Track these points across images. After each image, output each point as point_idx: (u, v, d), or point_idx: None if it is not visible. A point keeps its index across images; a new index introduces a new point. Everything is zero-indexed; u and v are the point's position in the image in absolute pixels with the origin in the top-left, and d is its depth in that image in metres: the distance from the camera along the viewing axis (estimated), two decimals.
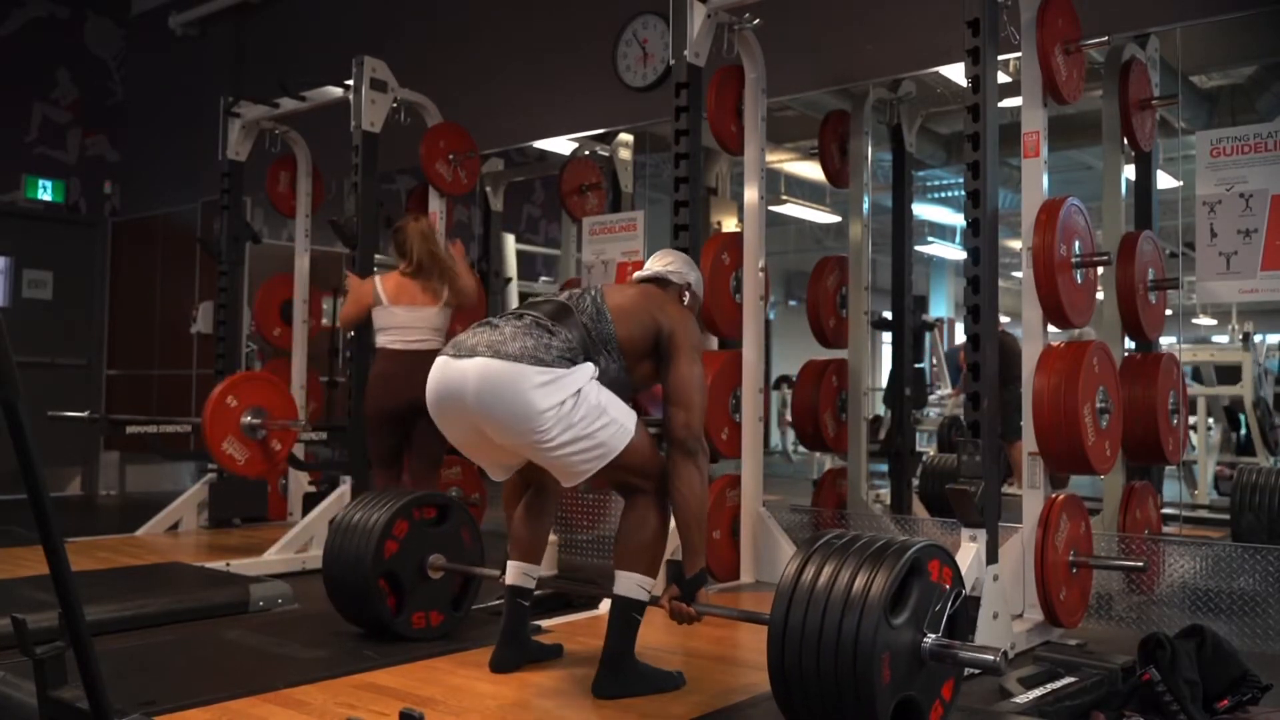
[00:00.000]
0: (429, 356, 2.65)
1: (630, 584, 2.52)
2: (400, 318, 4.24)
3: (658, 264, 2.89)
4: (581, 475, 2.48)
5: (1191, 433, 5.75)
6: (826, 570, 2.05)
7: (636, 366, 2.61)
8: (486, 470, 2.71)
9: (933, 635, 2.04)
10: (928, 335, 7.77)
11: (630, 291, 2.69)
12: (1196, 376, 6.09)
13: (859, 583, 1.99)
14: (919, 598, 2.04)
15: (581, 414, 2.39)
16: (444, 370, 2.46)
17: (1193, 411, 5.68)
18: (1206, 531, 4.66)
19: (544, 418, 2.35)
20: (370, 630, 3.11)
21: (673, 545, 3.71)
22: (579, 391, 2.40)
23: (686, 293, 2.85)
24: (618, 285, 2.76)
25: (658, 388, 2.66)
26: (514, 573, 2.73)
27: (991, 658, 2.01)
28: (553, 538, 4.39)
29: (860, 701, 1.93)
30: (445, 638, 3.11)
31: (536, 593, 2.87)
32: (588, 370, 2.45)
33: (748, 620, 2.54)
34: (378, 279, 4.31)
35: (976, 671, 2.79)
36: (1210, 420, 6.02)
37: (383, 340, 4.28)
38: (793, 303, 11.77)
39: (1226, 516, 4.98)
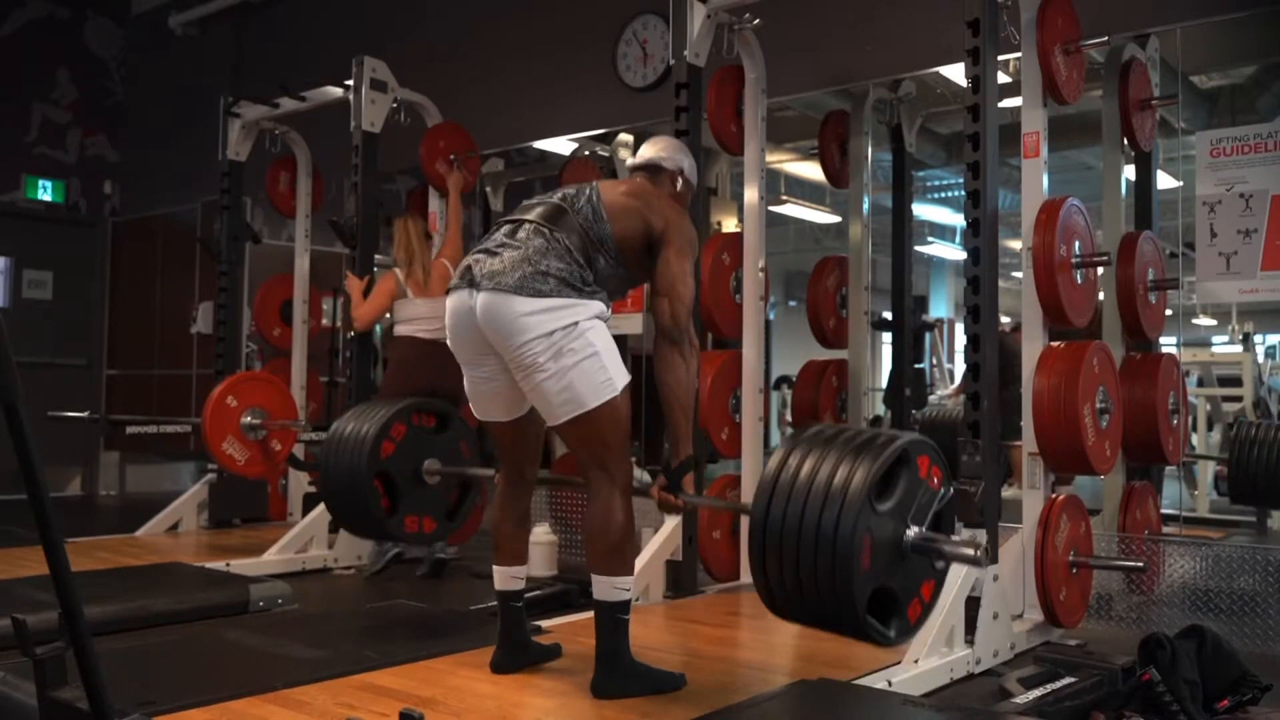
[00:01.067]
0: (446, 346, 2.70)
1: (607, 588, 2.50)
2: (421, 309, 4.45)
3: (649, 150, 2.84)
4: (559, 416, 2.46)
5: (1191, 432, 5.74)
6: (812, 457, 2.03)
7: (636, 265, 2.62)
8: (489, 411, 2.67)
9: (917, 528, 2.03)
10: (928, 335, 7.76)
11: (624, 188, 2.68)
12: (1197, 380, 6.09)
13: (845, 466, 1.97)
14: (906, 489, 2.01)
15: (575, 346, 2.42)
16: (456, 302, 2.54)
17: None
18: (1206, 531, 4.66)
19: (534, 345, 2.40)
20: (363, 531, 3.09)
21: (671, 547, 3.72)
22: (575, 324, 2.43)
23: (680, 178, 2.81)
24: (613, 182, 2.73)
25: None
26: (500, 578, 2.72)
27: (972, 552, 2.02)
28: (552, 537, 4.39)
29: (838, 586, 1.91)
30: (454, 631, 3.11)
31: (532, 593, 2.86)
32: (593, 308, 2.48)
33: (732, 509, 2.53)
34: (399, 272, 4.50)
35: (977, 671, 2.80)
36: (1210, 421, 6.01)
37: (405, 330, 4.48)
38: (793, 303, 11.75)
39: (1225, 516, 4.98)
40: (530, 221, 2.54)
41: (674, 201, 2.73)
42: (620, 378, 2.49)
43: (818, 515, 1.94)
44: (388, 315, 4.60)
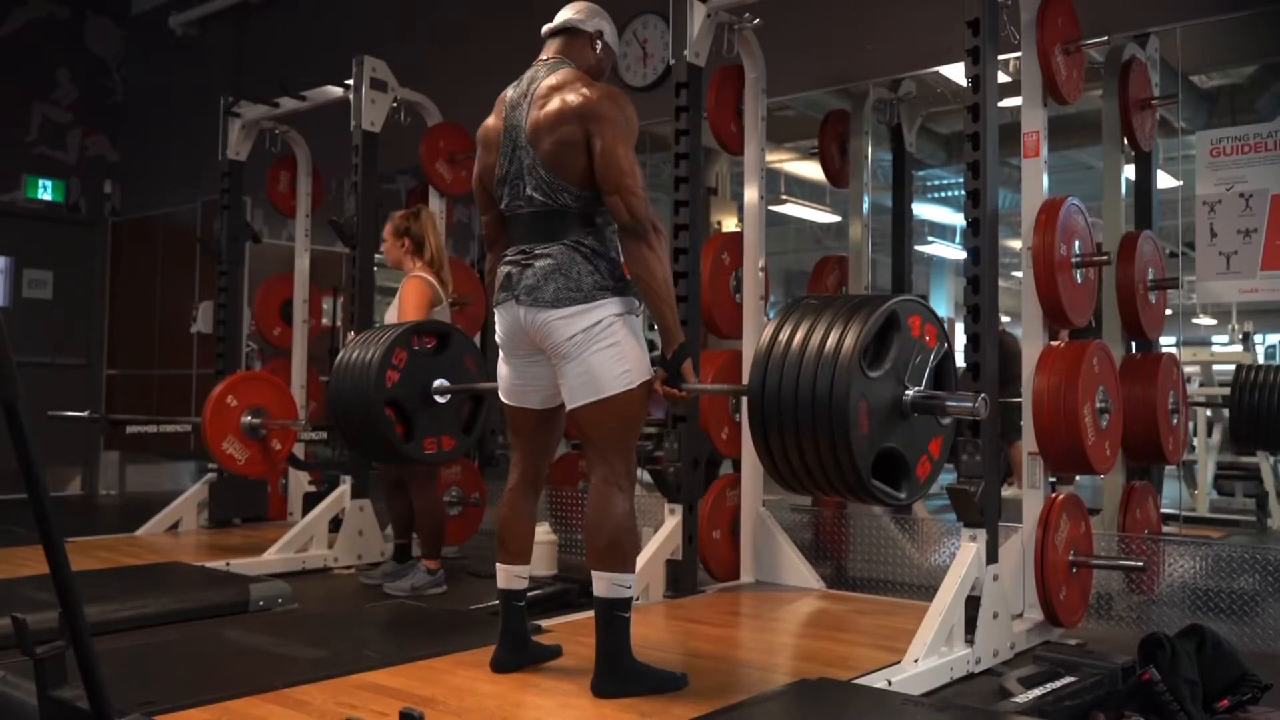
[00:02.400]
0: None
1: (606, 584, 2.49)
2: (446, 314, 4.22)
3: (566, 12, 2.74)
4: (577, 399, 2.51)
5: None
6: (803, 329, 2.03)
7: None
8: (528, 401, 2.69)
9: (915, 388, 2.03)
10: None
11: (547, 115, 2.54)
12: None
13: (834, 336, 1.97)
14: (899, 352, 2.01)
15: (598, 339, 2.47)
16: (506, 313, 2.61)
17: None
18: (1206, 530, 4.66)
19: (565, 345, 2.49)
20: (385, 459, 3.08)
21: (671, 546, 3.72)
22: (599, 321, 2.48)
23: (598, 41, 2.72)
24: (534, 117, 2.57)
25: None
26: (504, 576, 2.71)
27: (969, 404, 2.04)
28: (552, 537, 4.39)
29: (839, 451, 1.91)
30: (460, 634, 3.12)
31: (532, 593, 2.86)
32: (623, 304, 2.52)
33: (731, 392, 2.55)
34: (430, 277, 4.16)
35: (977, 671, 2.80)
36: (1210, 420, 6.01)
37: None
38: None
39: (1225, 516, 4.98)
40: (543, 242, 2.55)
41: (589, 86, 2.57)
42: (640, 373, 2.51)
43: (811, 385, 1.95)
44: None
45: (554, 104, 2.55)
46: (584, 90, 2.55)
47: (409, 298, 4.07)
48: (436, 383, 3.14)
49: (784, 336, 2.04)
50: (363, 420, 3.03)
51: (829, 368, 1.93)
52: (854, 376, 1.90)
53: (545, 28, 2.76)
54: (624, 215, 2.50)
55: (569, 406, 2.57)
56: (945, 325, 2.18)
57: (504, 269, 2.62)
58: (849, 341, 1.94)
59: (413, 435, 3.08)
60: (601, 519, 2.51)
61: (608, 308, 2.50)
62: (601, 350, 2.48)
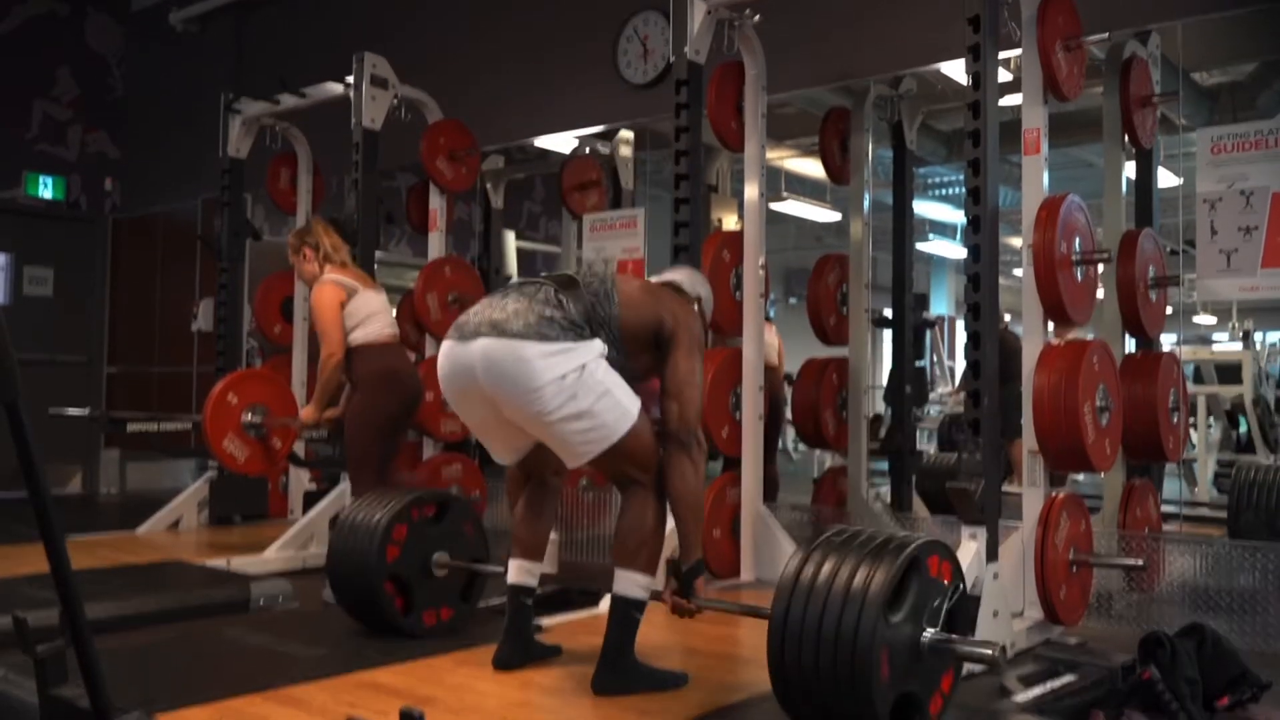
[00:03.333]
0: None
1: (628, 583, 2.53)
2: (374, 302, 4.06)
3: (673, 273, 2.94)
4: (582, 456, 2.50)
5: (1191, 431, 5.74)
6: (827, 566, 2.06)
7: (636, 355, 2.62)
8: (495, 453, 2.71)
9: (932, 630, 2.05)
10: (928, 333, 7.77)
11: (640, 283, 2.75)
12: (1196, 375, 6.09)
13: (858, 579, 2.01)
14: (918, 594, 2.05)
15: (587, 389, 2.43)
16: (451, 355, 2.52)
17: (1193, 410, 5.67)
18: (1206, 529, 4.66)
19: (546, 391, 2.40)
20: (381, 631, 3.10)
21: (670, 544, 3.72)
22: (583, 366, 2.44)
23: (696, 304, 2.88)
24: (630, 275, 2.80)
25: (656, 383, 2.66)
26: (516, 571, 2.73)
27: (989, 652, 2.04)
28: (553, 536, 4.39)
29: (859, 696, 1.94)
30: (456, 632, 3.12)
31: (539, 591, 2.87)
32: (596, 347, 2.48)
33: (748, 614, 2.56)
34: (335, 276, 4.03)
35: (977, 669, 2.80)
36: (1210, 419, 6.01)
37: (377, 326, 4.00)
38: (793, 300, 11.77)
39: (1224, 515, 4.98)
40: (540, 284, 2.56)
41: (687, 304, 2.77)
42: (633, 405, 2.52)
43: (835, 624, 1.99)
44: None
45: (655, 287, 2.76)
46: (677, 296, 2.76)
47: (318, 312, 3.95)
48: (435, 557, 3.14)
49: (809, 572, 2.08)
50: (363, 594, 3.05)
51: (854, 612, 1.98)
52: (878, 625, 1.94)
53: (653, 280, 2.93)
54: (674, 420, 2.57)
55: (571, 465, 2.58)
56: (959, 565, 2.21)
57: (460, 319, 2.56)
58: (874, 587, 1.98)
59: (412, 608, 3.08)
60: (639, 522, 2.56)
61: (585, 352, 2.46)
62: (596, 404, 2.44)
